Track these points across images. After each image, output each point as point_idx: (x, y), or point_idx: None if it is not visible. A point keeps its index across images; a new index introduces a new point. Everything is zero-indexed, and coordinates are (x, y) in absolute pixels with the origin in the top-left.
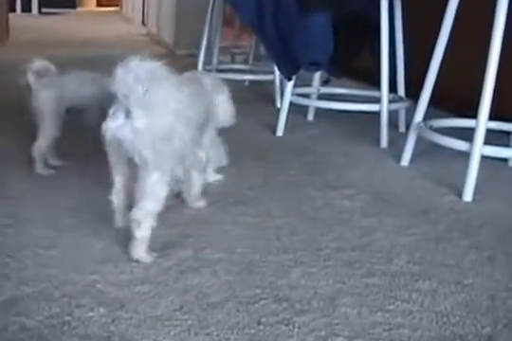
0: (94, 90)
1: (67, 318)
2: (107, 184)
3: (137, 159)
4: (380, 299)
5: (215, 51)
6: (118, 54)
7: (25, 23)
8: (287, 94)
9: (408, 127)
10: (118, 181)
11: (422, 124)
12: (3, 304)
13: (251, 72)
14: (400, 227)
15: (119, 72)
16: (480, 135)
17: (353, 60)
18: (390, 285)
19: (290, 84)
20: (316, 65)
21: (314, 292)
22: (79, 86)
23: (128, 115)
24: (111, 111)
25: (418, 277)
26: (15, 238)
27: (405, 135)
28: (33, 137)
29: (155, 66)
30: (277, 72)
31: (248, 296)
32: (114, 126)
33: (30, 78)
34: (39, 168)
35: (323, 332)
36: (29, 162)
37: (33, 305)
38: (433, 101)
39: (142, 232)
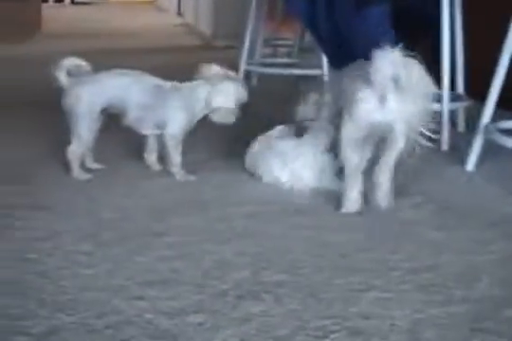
0: (133, 90)
1: None
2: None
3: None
4: (465, 332)
5: (258, 44)
6: (154, 45)
7: (57, 13)
8: None
9: (468, 127)
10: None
11: (490, 125)
12: (38, 336)
13: (297, 66)
14: (474, 243)
15: (377, 61)
16: None
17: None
18: (474, 314)
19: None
20: None
21: (390, 323)
22: (116, 86)
23: (382, 99)
24: (360, 95)
25: (505, 303)
26: (51, 254)
27: (465, 136)
28: (69, 139)
29: (406, 55)
30: (325, 66)
31: (317, 328)
32: (369, 109)
33: (61, 76)
34: (75, 172)
35: None
36: (65, 166)
37: (72, 338)
38: (499, 102)
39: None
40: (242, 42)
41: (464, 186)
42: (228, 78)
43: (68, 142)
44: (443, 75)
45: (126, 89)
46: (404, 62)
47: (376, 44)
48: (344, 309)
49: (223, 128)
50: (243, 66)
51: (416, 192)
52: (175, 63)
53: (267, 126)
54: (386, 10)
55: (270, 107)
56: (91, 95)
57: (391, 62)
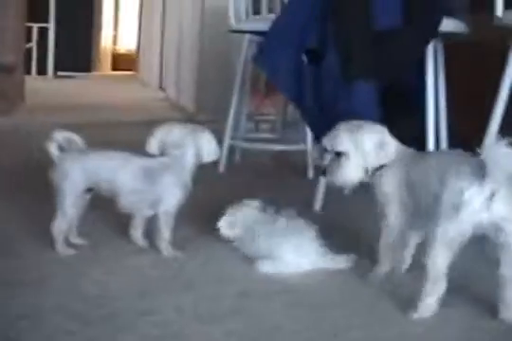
0: (122, 175)
1: None
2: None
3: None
4: None
5: (242, 119)
6: (137, 119)
7: (40, 86)
8: None
9: None
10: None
11: None
12: None
13: (281, 141)
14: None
15: (496, 155)
16: None
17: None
18: None
19: None
20: None
21: None
22: (104, 169)
23: (491, 197)
24: (467, 194)
25: None
26: (32, 333)
27: None
28: (54, 213)
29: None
30: (309, 141)
31: None
32: (477, 209)
33: (52, 149)
34: (59, 247)
35: None
36: (50, 240)
37: None
38: None
39: None
40: (225, 117)
41: None
42: (201, 131)
43: (54, 217)
44: (428, 139)
45: (114, 174)
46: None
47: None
48: None
49: (207, 202)
50: (227, 141)
51: None
52: None
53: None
54: (374, 87)
55: (253, 181)
56: (78, 173)
57: (508, 155)
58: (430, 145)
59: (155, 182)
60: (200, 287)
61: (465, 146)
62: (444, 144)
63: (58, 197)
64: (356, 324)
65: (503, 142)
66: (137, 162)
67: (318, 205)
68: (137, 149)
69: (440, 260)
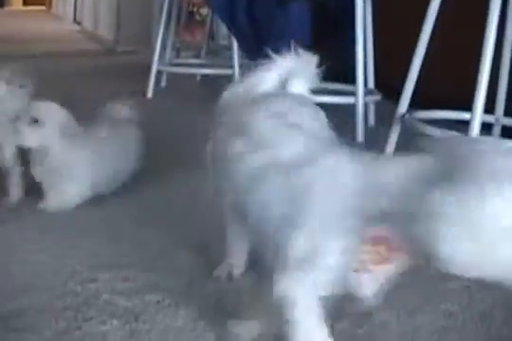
0: None
1: None
2: None
3: None
4: None
5: (167, 46)
6: (54, 50)
7: None
8: None
9: (379, 120)
10: None
11: (407, 115)
12: None
13: (206, 66)
14: None
15: None
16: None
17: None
18: None
19: None
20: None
21: None
22: None
23: None
24: None
25: None
26: None
27: (377, 129)
28: None
29: None
30: (237, 66)
31: None
32: None
33: None
34: None
35: None
36: None
37: None
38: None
39: None
40: (152, 44)
41: None
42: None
43: None
44: (357, 70)
45: None
46: None
47: (294, 39)
48: None
49: None
50: (155, 67)
51: None
52: (81, 67)
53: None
54: (305, 7)
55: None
56: None
57: None
58: (359, 69)
59: None
60: None
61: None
62: (370, 70)
63: None
64: None
65: None
66: None
67: None
68: None
69: None
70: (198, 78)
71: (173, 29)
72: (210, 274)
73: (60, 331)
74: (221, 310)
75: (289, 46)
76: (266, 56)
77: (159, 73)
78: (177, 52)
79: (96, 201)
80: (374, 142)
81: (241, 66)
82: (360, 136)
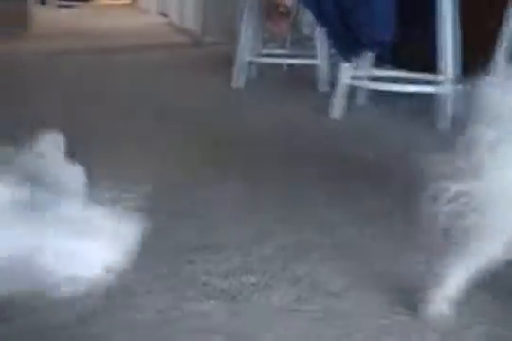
0: None
1: None
2: None
3: None
4: None
5: (254, 37)
6: (143, 43)
7: (42, 15)
8: (343, 76)
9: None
10: None
11: None
12: None
13: (292, 57)
14: None
15: None
16: None
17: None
18: None
19: (347, 66)
20: (380, 45)
21: None
22: None
23: None
24: None
25: None
26: None
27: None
28: None
29: None
30: (321, 55)
31: None
32: None
33: None
34: None
35: None
36: None
37: None
38: None
39: None
40: (232, 38)
41: None
42: None
43: None
44: (445, 55)
45: None
46: None
47: (383, 29)
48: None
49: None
50: (242, 58)
51: None
52: (168, 59)
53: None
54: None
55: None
56: None
57: None
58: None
59: None
60: None
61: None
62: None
63: None
64: None
65: None
66: None
67: (335, 113)
68: None
69: None
70: (285, 68)
71: (258, 21)
72: (304, 257)
73: (161, 309)
74: (316, 290)
75: (375, 35)
76: (355, 48)
77: (247, 64)
78: (263, 43)
79: None
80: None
81: (330, 56)
82: (446, 124)
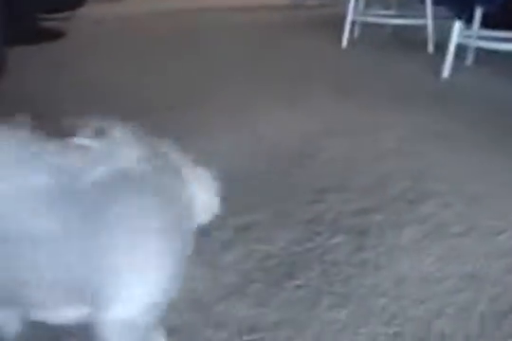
0: None
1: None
2: None
3: None
4: None
5: None
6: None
7: None
8: (455, 34)
9: None
10: None
11: None
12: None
13: (399, 17)
14: None
15: None
16: None
17: None
18: None
19: (458, 25)
20: (492, 1)
21: None
22: None
23: None
24: None
25: None
26: None
27: None
28: None
29: None
30: (430, 15)
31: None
32: None
33: None
34: None
35: None
36: None
37: None
38: None
39: None
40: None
41: None
42: None
43: None
44: None
45: None
46: None
47: None
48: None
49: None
50: (350, 17)
51: None
52: (271, 21)
53: None
54: None
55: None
56: None
57: None
58: None
59: None
60: None
61: None
62: None
63: None
64: None
65: None
66: None
67: (446, 72)
68: None
69: None
70: (389, 29)
71: None
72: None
73: (292, 241)
74: (440, 232)
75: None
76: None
77: (352, 24)
78: (367, 5)
79: None
80: None
81: (435, 18)
82: None
